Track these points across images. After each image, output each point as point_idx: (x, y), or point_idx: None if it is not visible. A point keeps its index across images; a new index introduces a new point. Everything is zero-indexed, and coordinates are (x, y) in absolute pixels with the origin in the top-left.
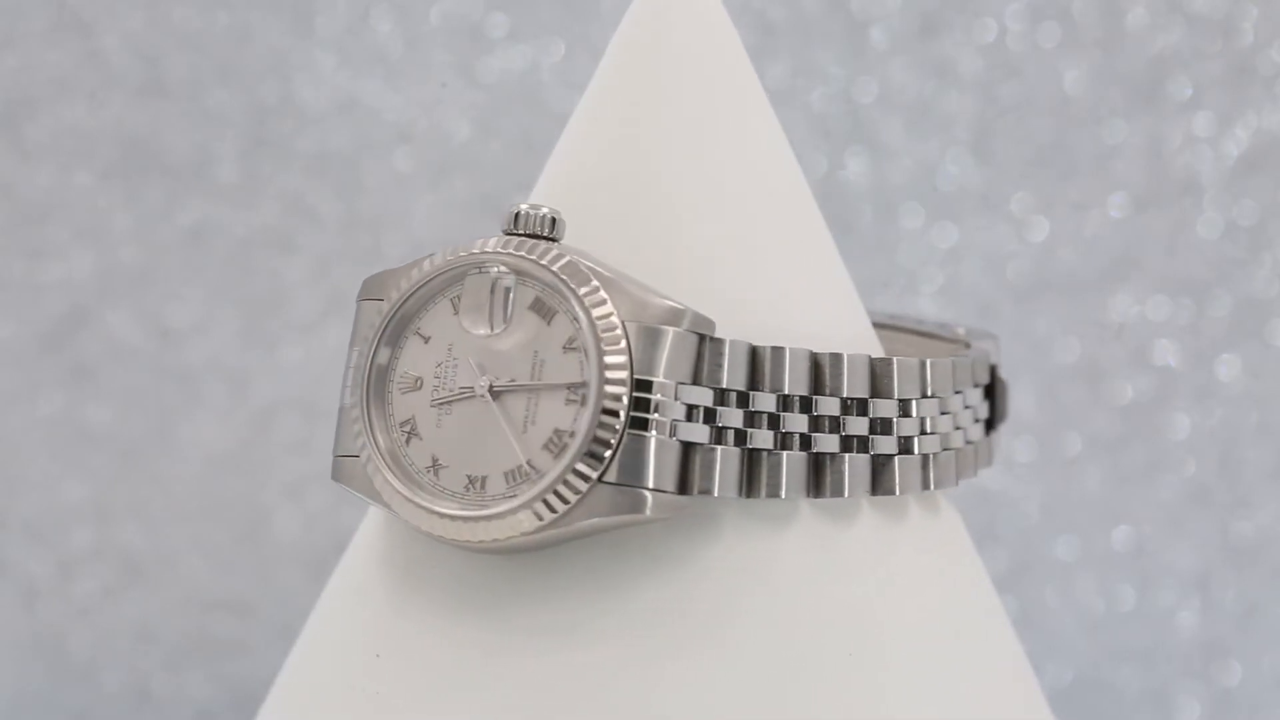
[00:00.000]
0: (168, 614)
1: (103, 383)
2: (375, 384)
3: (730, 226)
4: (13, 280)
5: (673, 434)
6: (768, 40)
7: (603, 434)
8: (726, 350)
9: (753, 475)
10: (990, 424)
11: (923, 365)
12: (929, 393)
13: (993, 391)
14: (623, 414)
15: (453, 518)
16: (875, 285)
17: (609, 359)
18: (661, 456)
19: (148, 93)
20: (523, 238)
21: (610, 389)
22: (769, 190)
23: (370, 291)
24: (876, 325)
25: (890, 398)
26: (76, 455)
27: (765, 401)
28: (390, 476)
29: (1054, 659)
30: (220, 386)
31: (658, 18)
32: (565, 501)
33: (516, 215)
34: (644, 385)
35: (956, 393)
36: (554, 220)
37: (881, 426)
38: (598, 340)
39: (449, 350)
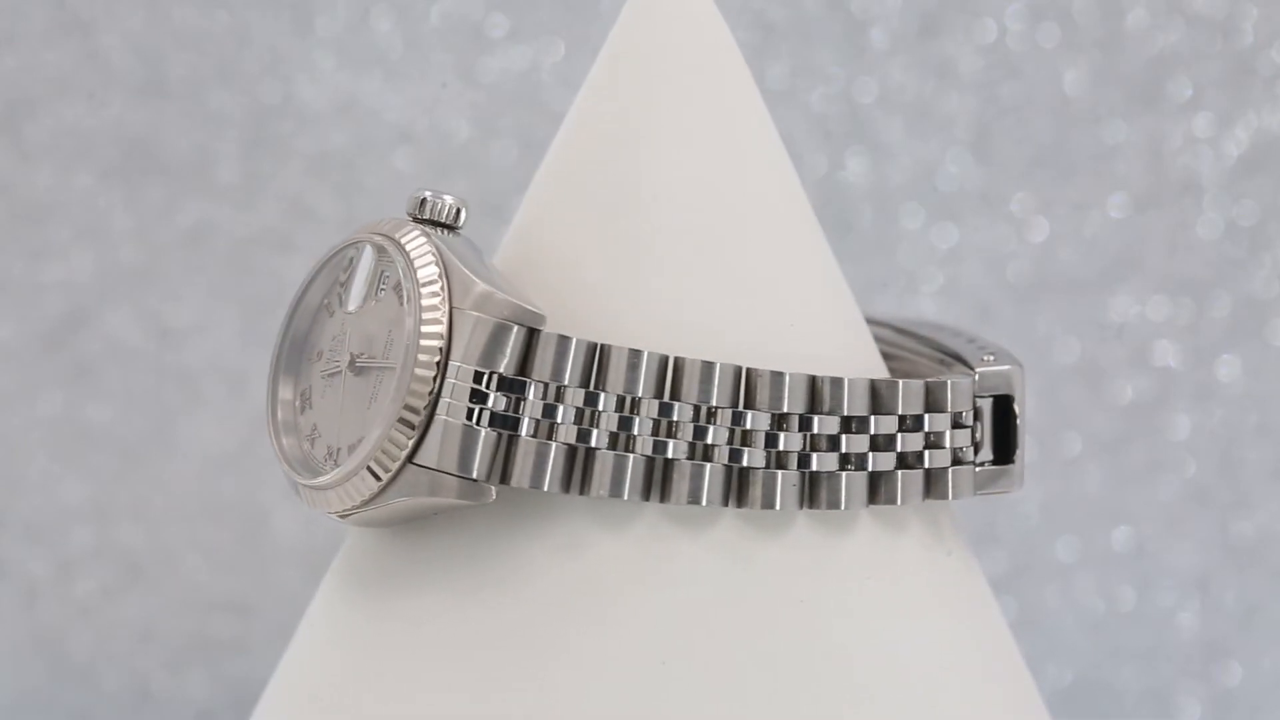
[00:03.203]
0: (168, 614)
1: (103, 383)
2: (289, 355)
3: (721, 228)
4: (13, 280)
5: (488, 423)
6: (768, 40)
7: (409, 417)
8: (571, 349)
9: (588, 473)
10: (1007, 454)
11: (811, 381)
12: (847, 410)
13: (1008, 421)
14: (429, 398)
15: (304, 486)
16: (875, 285)
17: (423, 342)
18: (473, 445)
19: (148, 93)
20: (422, 223)
21: (419, 371)
22: (761, 192)
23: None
24: (891, 327)
25: (764, 410)
26: (76, 455)
27: (608, 402)
28: (278, 445)
29: (1054, 659)
30: (220, 386)
31: (650, 18)
32: (377, 479)
33: (421, 202)
34: (464, 374)
35: (888, 414)
36: (457, 210)
37: (767, 440)
38: (418, 324)
39: (343, 325)
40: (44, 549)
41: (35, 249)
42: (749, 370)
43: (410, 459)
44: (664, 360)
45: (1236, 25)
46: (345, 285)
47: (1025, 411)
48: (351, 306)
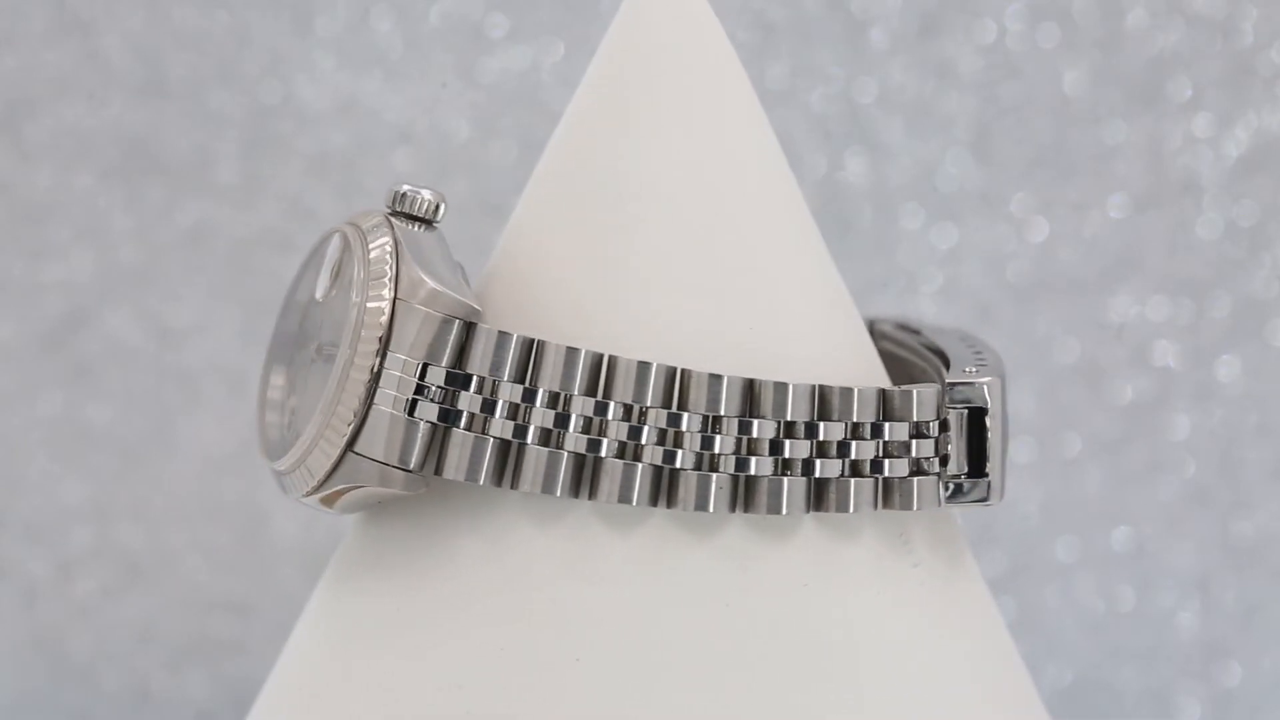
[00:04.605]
0: (168, 614)
1: (103, 383)
2: (282, 342)
3: (713, 229)
4: (13, 280)
5: (426, 415)
6: (768, 40)
7: (347, 405)
8: (511, 345)
9: (519, 468)
10: (977, 467)
11: (749, 384)
12: (791, 415)
13: (979, 434)
14: (366, 387)
15: (273, 472)
16: (875, 285)
17: (364, 332)
18: (410, 436)
19: (148, 93)
20: (399, 217)
21: (358, 360)
22: (755, 192)
23: None
24: (909, 330)
25: (699, 412)
26: (76, 455)
27: (543, 398)
28: (261, 421)
29: (1054, 660)
30: (220, 386)
31: (645, 20)
32: (320, 465)
33: (398, 195)
34: (405, 366)
35: (836, 421)
36: (433, 205)
37: (702, 443)
38: (361, 315)
39: (322, 312)
40: (44, 549)
41: (35, 249)
42: (684, 371)
43: (350, 447)
44: (599, 358)
45: (1236, 25)
46: (318, 273)
47: (1001, 424)
48: (319, 294)
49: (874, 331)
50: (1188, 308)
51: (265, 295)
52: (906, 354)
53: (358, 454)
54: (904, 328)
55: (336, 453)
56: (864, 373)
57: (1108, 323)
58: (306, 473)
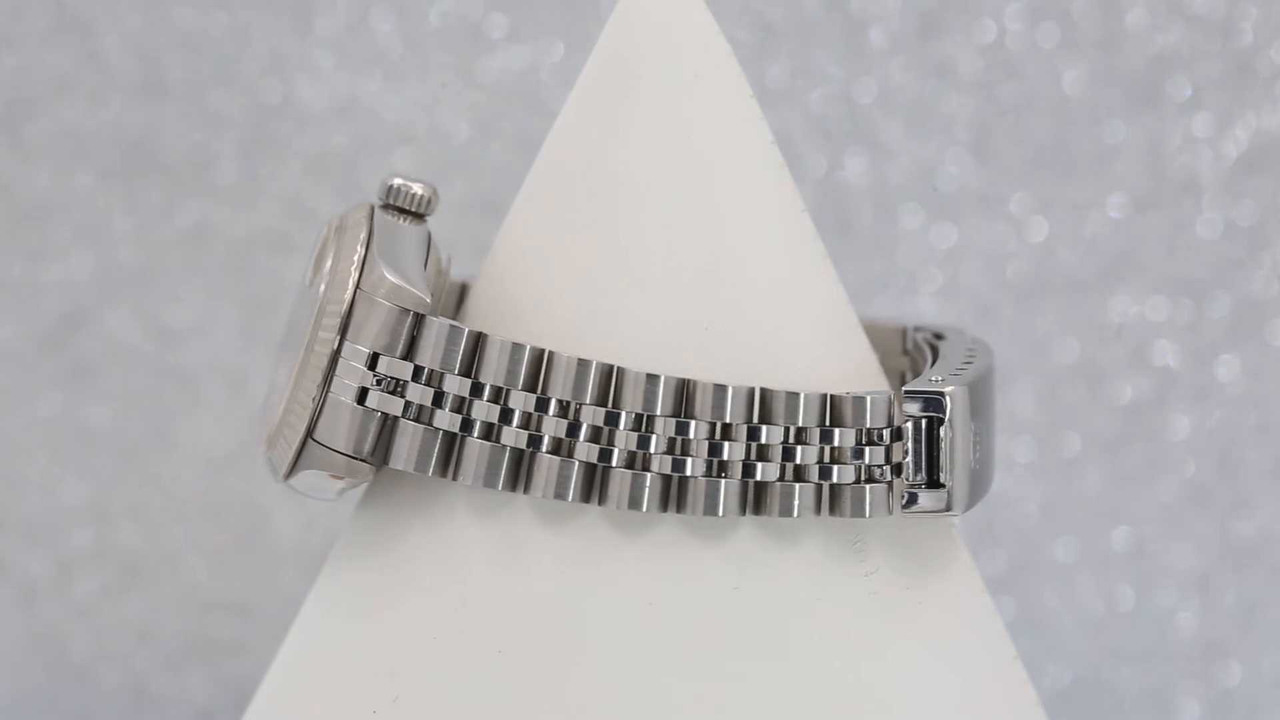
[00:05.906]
0: (168, 614)
1: (103, 383)
2: (290, 331)
3: (708, 229)
4: (13, 280)
5: (378, 405)
6: (767, 40)
7: (306, 391)
8: (462, 338)
9: (461, 461)
10: (935, 478)
11: (682, 385)
12: (729, 417)
13: (928, 443)
14: (322, 374)
15: (263, 457)
16: (875, 285)
17: (325, 320)
18: (365, 425)
19: (148, 93)
20: (389, 210)
21: (317, 349)
22: (751, 192)
23: None
24: (931, 333)
25: (634, 411)
26: (76, 455)
27: (488, 392)
28: (263, 417)
29: (1054, 660)
30: (220, 386)
31: (641, 19)
32: (284, 454)
33: (388, 188)
34: (360, 356)
35: (778, 424)
36: (425, 198)
37: (638, 442)
38: (325, 304)
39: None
40: (44, 549)
41: (35, 249)
42: (620, 370)
43: (310, 434)
44: (539, 354)
45: (1236, 25)
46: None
47: (963, 434)
48: (307, 282)
49: (914, 340)
50: (1188, 308)
51: (265, 295)
52: (923, 362)
53: (316, 441)
54: (938, 335)
55: (298, 439)
56: (857, 376)
57: (1107, 323)
58: (277, 458)
